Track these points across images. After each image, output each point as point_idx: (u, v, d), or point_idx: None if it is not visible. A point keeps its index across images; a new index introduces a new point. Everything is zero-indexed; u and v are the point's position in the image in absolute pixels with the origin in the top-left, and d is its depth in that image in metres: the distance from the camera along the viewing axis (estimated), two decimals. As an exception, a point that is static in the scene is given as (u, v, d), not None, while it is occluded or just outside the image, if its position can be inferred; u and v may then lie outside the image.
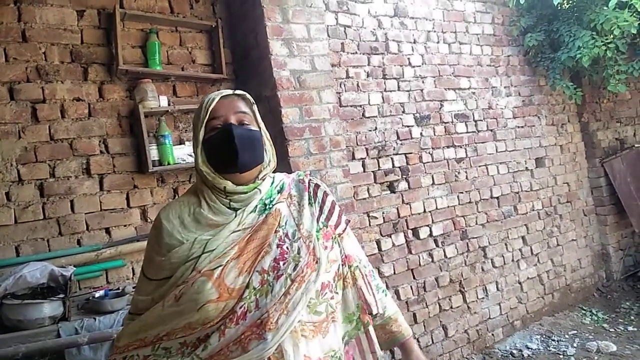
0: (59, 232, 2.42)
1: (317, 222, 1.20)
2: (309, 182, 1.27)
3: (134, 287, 2.31)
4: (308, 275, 1.10)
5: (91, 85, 2.59)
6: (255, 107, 1.24)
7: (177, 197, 2.71)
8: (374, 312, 1.24)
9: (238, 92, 1.22)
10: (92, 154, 2.54)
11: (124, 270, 2.52)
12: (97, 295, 2.25)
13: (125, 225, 2.58)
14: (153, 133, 2.64)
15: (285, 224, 1.16)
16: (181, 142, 2.75)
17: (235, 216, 1.13)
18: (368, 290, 1.26)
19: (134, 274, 2.55)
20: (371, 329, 1.26)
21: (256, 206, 1.16)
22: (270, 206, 1.17)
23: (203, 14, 2.96)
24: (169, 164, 2.59)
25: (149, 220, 2.63)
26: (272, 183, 1.24)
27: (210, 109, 1.16)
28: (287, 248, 1.13)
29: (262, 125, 1.24)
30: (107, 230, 2.54)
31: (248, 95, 1.24)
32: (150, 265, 1.15)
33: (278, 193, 1.21)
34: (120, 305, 2.12)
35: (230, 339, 1.04)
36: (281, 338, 1.04)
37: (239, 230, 1.12)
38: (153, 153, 2.57)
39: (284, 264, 1.10)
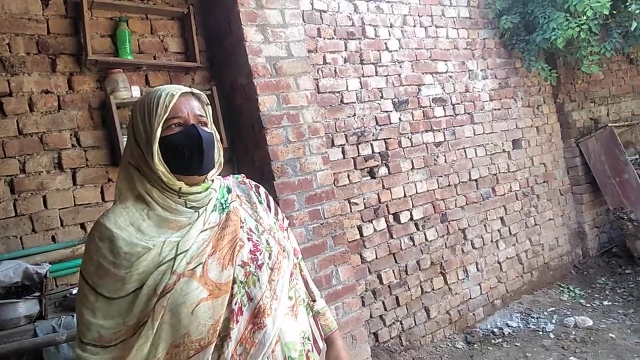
0: (32, 229, 2.36)
1: (270, 217, 1.27)
2: (249, 183, 1.32)
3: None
4: (282, 262, 1.16)
5: (60, 76, 2.50)
6: (209, 108, 1.21)
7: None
8: (316, 300, 1.37)
9: (195, 91, 1.17)
10: (64, 148, 2.47)
11: (101, 265, 2.47)
12: (74, 292, 2.20)
13: (101, 220, 2.52)
14: (126, 124, 2.57)
15: (246, 220, 1.19)
16: (156, 133, 2.69)
17: (199, 216, 1.11)
18: (310, 280, 1.38)
19: (112, 268, 2.50)
20: (313, 314, 1.36)
21: (215, 206, 1.15)
22: (227, 205, 1.18)
23: (174, 1, 2.88)
24: (144, 155, 2.54)
25: (125, 214, 2.57)
26: (220, 184, 1.23)
27: (171, 106, 1.09)
28: (257, 240, 1.16)
29: (213, 126, 1.21)
30: (83, 226, 2.48)
31: (204, 96, 1.20)
32: (106, 281, 1.03)
33: (228, 193, 1.22)
34: (98, 301, 2.08)
35: (236, 342, 1.03)
36: (279, 322, 1.09)
37: (206, 229, 1.10)
38: (127, 145, 2.51)
39: (260, 254, 1.13)
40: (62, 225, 2.42)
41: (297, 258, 1.34)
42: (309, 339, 1.21)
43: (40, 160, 2.41)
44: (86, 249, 1.09)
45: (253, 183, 1.34)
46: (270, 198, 1.35)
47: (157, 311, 0.99)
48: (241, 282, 1.08)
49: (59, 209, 2.43)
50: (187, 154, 1.09)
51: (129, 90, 2.56)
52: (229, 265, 1.08)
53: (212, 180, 1.19)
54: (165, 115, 1.09)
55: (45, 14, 2.48)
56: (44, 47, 2.47)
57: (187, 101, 1.13)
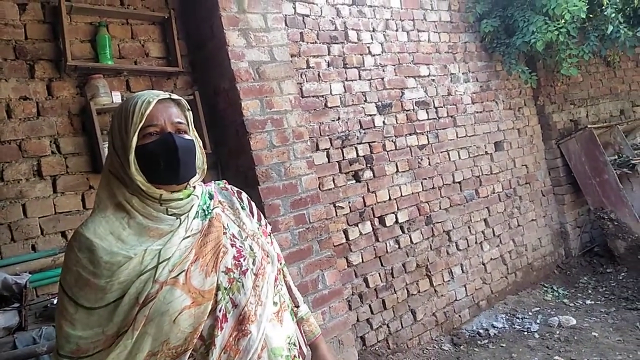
0: (11, 238, 2.30)
1: (253, 222, 1.27)
2: (231, 189, 1.32)
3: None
4: (266, 268, 1.17)
5: (39, 82, 2.46)
6: (189, 113, 1.19)
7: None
8: (300, 305, 1.38)
9: (174, 96, 1.15)
10: (43, 155, 2.42)
11: (83, 274, 2.43)
12: (55, 301, 2.16)
13: (82, 228, 2.48)
14: (107, 131, 2.54)
15: (229, 226, 1.19)
16: (138, 139, 2.65)
17: (181, 223, 1.09)
18: (293, 286, 1.40)
19: (94, 277, 2.46)
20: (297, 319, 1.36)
21: (197, 212, 1.14)
22: (210, 211, 1.16)
23: (155, 5, 2.85)
24: (126, 162, 2.50)
25: (107, 221, 2.53)
26: (202, 191, 1.21)
27: (147, 113, 1.07)
28: (241, 246, 1.16)
29: (194, 132, 1.20)
30: (63, 234, 2.43)
31: (184, 101, 1.17)
32: (86, 291, 1.00)
33: (210, 199, 1.20)
34: (80, 311, 2.04)
35: (220, 349, 1.03)
36: (264, 328, 1.09)
37: (188, 237, 1.09)
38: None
39: (244, 260, 1.13)
40: (42, 233, 2.37)
41: (281, 264, 1.34)
42: (295, 345, 1.20)
43: (19, 168, 2.36)
44: (65, 260, 1.06)
45: (235, 189, 1.33)
46: (253, 204, 1.34)
47: (138, 320, 0.98)
48: (225, 289, 1.07)
49: (39, 217, 2.37)
50: (163, 164, 1.07)
51: (110, 96, 2.53)
52: (213, 272, 1.07)
53: (194, 187, 1.17)
54: (141, 124, 1.07)
55: (22, 19, 2.43)
56: (22, 53, 2.42)
57: (164, 108, 1.11)
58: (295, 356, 1.18)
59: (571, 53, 4.35)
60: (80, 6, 2.52)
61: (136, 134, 1.06)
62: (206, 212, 1.15)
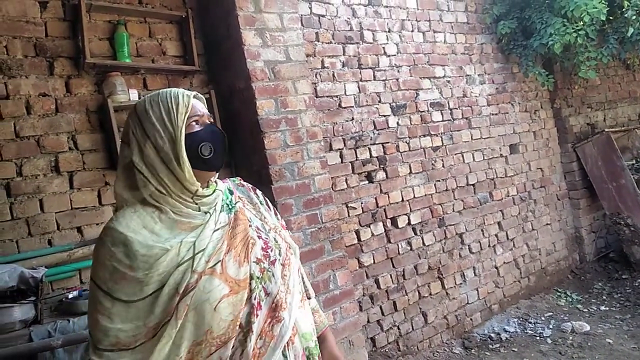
0: (28, 232, 2.34)
1: (272, 217, 1.31)
2: (246, 185, 1.36)
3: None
4: (290, 259, 1.21)
5: (57, 79, 2.49)
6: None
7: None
8: (311, 297, 1.40)
9: (199, 95, 1.23)
10: (61, 151, 2.46)
11: (98, 269, 2.46)
12: (70, 296, 2.19)
13: (97, 224, 2.50)
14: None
15: (252, 219, 1.22)
16: (154, 137, 2.67)
17: (210, 216, 1.13)
18: (305, 277, 1.41)
19: (108, 273, 2.49)
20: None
21: (222, 206, 1.18)
22: (233, 205, 1.21)
23: (173, 4, 2.88)
24: (141, 159, 2.52)
25: (122, 218, 2.56)
26: (222, 186, 1.27)
27: (190, 106, 1.13)
28: (266, 238, 1.20)
29: None
30: (79, 229, 2.46)
31: (204, 99, 1.25)
32: (123, 285, 1.02)
33: (231, 194, 1.24)
34: (95, 306, 2.06)
35: (256, 336, 1.07)
36: (295, 315, 1.15)
37: (219, 229, 1.12)
38: (124, 148, 2.50)
39: (271, 251, 1.17)
40: (58, 228, 2.41)
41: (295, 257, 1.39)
42: (314, 332, 1.27)
43: (37, 164, 2.39)
44: (97, 255, 1.06)
45: (250, 185, 1.38)
46: (267, 200, 1.38)
47: (180, 310, 1.00)
48: (258, 278, 1.12)
49: (56, 213, 2.41)
50: (212, 150, 1.13)
51: (127, 94, 2.55)
52: (245, 262, 1.11)
53: (216, 182, 1.22)
54: (187, 114, 1.12)
55: (43, 17, 2.47)
56: (42, 50, 2.46)
57: (198, 103, 1.19)
58: (316, 342, 1.25)
59: (589, 56, 4.29)
60: (100, 4, 2.55)
61: (184, 123, 1.11)
62: (230, 206, 1.20)
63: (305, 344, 1.18)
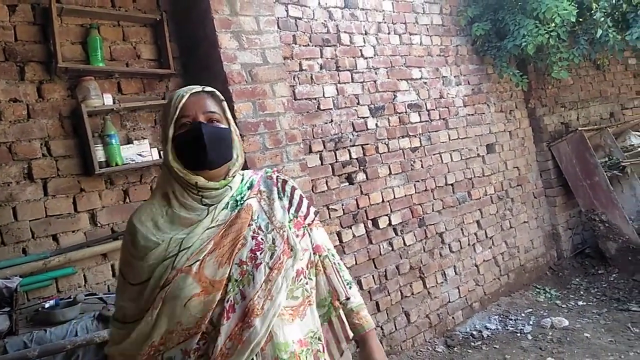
0: (1, 241, 2.28)
1: (288, 213, 1.26)
2: (276, 178, 1.33)
3: (86, 295, 2.22)
4: (285, 262, 1.17)
5: (29, 85, 2.44)
6: (224, 104, 1.26)
7: (127, 199, 2.62)
8: (342, 298, 1.33)
9: (207, 89, 1.24)
10: (34, 158, 2.40)
11: (74, 277, 2.41)
12: (47, 305, 2.13)
13: (73, 231, 2.46)
14: (98, 133, 2.52)
15: (258, 217, 1.22)
16: (129, 142, 2.63)
17: (208, 213, 1.17)
18: (337, 278, 1.34)
19: (85, 281, 2.44)
20: (342, 313, 1.35)
21: (228, 203, 1.20)
22: (242, 202, 1.22)
23: (146, 7, 2.84)
24: (117, 164, 2.48)
25: (98, 224, 2.52)
26: (242, 180, 1.28)
27: (180, 106, 1.17)
28: (262, 239, 1.18)
29: (231, 121, 1.26)
30: (55, 237, 2.41)
31: (217, 92, 1.25)
32: (130, 269, 1.18)
33: (248, 189, 1.26)
34: (72, 315, 2.01)
35: (226, 336, 1.09)
36: (270, 322, 1.11)
37: (213, 227, 1.16)
38: (99, 154, 2.46)
39: (260, 254, 1.16)
40: (33, 237, 2.35)
41: (320, 256, 1.34)
42: (319, 339, 1.23)
43: (10, 171, 2.34)
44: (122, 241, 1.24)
45: (281, 178, 1.35)
46: (298, 194, 1.33)
47: (156, 301, 1.10)
48: (236, 281, 1.12)
49: (30, 221, 2.35)
50: (192, 150, 1.16)
51: (101, 98, 2.51)
52: (226, 264, 1.12)
53: (234, 176, 1.23)
54: (175, 115, 1.18)
55: (12, 21, 2.42)
56: (12, 55, 2.40)
57: (197, 100, 1.20)
58: (318, 350, 1.21)
59: (561, 56, 4.39)
60: (71, 8, 2.51)
61: (172, 124, 1.18)
62: (238, 203, 1.21)
63: (277, 353, 1.12)
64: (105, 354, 1.23)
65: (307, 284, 1.23)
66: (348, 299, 1.33)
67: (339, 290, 1.33)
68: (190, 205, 1.17)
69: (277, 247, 1.17)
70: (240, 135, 2.60)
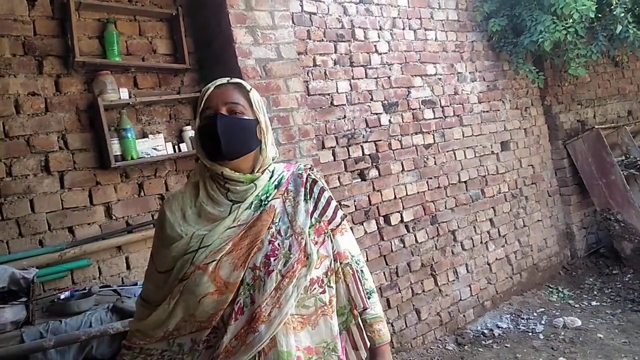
0: (19, 233, 2.32)
1: (311, 218, 1.23)
2: (306, 178, 1.29)
3: (101, 287, 2.25)
4: (298, 271, 1.14)
5: (47, 78, 2.47)
6: (252, 95, 1.25)
7: (142, 192, 2.65)
8: (359, 309, 1.30)
9: (234, 80, 1.25)
10: (51, 151, 2.44)
11: (89, 269, 2.44)
12: (62, 296, 2.17)
13: (89, 224, 2.49)
14: (114, 127, 2.55)
15: (279, 220, 1.21)
16: (144, 136, 2.66)
17: (231, 211, 1.18)
18: (356, 287, 1.30)
19: (100, 273, 2.47)
20: (360, 322, 1.32)
21: (252, 202, 1.20)
22: (266, 202, 1.21)
23: (163, 2, 2.86)
24: (132, 158, 2.51)
25: (113, 217, 2.55)
26: (271, 177, 1.25)
27: (205, 98, 1.21)
28: (279, 245, 1.17)
29: (259, 113, 1.25)
30: (71, 229, 2.45)
31: (244, 84, 1.26)
32: (158, 255, 1.23)
33: (275, 188, 1.24)
34: (87, 306, 2.05)
35: (232, 335, 1.11)
36: (275, 329, 1.11)
37: (234, 227, 1.16)
38: (115, 148, 2.48)
39: (274, 260, 1.15)
40: (49, 229, 2.39)
41: (342, 263, 1.29)
42: (333, 350, 1.20)
43: (27, 164, 2.37)
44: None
45: (312, 177, 1.31)
46: (326, 196, 1.30)
47: (174, 292, 1.14)
48: (247, 285, 1.14)
49: (46, 213, 2.39)
50: (209, 141, 1.18)
51: (117, 92, 2.54)
52: (241, 268, 1.14)
53: (262, 172, 1.23)
54: (201, 107, 1.21)
55: (31, 15, 2.45)
56: (31, 49, 2.43)
57: (220, 92, 1.21)
58: None
59: (579, 53, 4.32)
60: (89, 2, 2.53)
61: (198, 116, 1.22)
62: (262, 203, 1.21)
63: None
64: (121, 342, 1.28)
65: (322, 292, 1.20)
66: (365, 309, 1.30)
67: (357, 300, 1.30)
68: (217, 199, 1.19)
69: (293, 254, 1.15)
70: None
